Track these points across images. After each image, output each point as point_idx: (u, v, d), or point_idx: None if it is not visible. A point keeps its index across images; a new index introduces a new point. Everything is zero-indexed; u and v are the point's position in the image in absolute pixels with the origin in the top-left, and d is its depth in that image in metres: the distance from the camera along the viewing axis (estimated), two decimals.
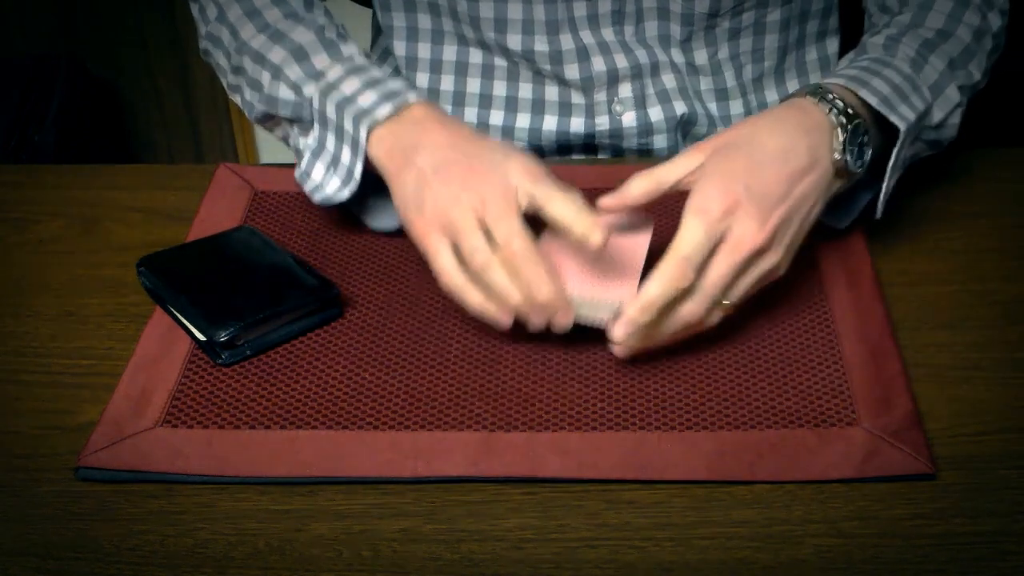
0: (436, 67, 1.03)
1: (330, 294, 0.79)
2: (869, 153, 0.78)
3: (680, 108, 1.01)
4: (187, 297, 0.79)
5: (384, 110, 0.80)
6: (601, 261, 0.74)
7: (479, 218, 0.72)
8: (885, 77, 0.80)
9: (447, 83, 1.03)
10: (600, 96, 1.00)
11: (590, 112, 1.01)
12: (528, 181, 0.73)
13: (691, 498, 0.65)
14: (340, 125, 0.82)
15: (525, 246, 0.71)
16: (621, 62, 0.98)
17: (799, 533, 0.63)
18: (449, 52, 1.02)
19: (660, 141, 1.02)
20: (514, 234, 0.71)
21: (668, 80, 1.00)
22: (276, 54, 0.86)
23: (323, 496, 0.67)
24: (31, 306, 0.83)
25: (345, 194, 0.82)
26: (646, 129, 1.01)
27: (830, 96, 0.77)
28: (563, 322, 0.72)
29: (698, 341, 0.75)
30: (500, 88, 1.02)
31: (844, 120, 0.76)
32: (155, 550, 0.63)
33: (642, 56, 0.99)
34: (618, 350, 0.72)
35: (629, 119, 1.01)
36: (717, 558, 0.62)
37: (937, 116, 0.83)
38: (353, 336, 0.78)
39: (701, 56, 1.00)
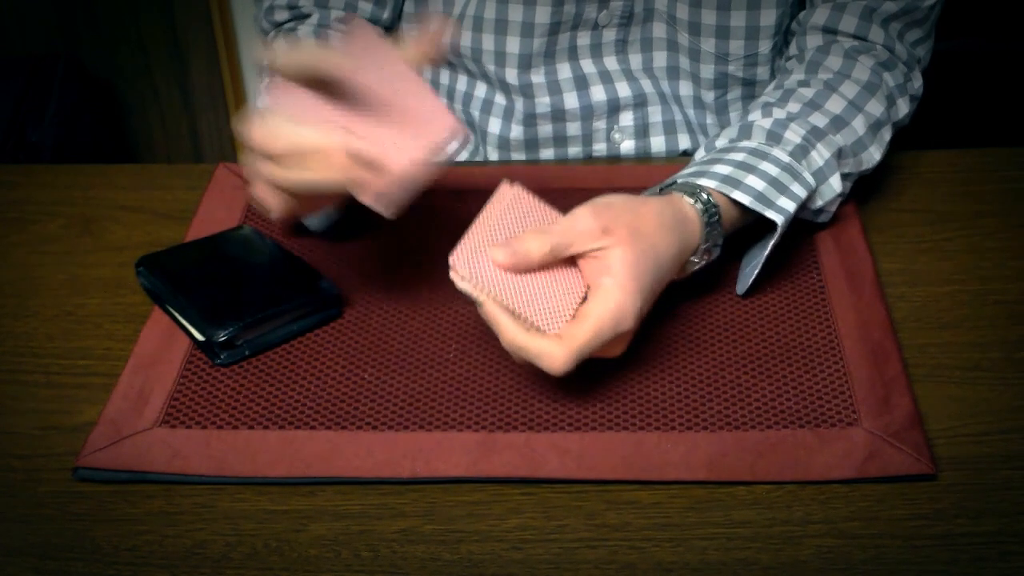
0: (451, 94, 1.03)
1: (329, 294, 0.79)
2: (700, 266, 0.76)
3: (684, 142, 1.01)
4: (186, 297, 0.78)
5: None
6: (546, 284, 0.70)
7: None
8: (761, 172, 0.77)
9: (458, 111, 1.03)
10: (599, 124, 0.99)
11: (587, 141, 1.00)
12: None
13: (691, 498, 0.65)
14: None
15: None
16: (623, 91, 0.98)
17: (800, 533, 0.63)
18: (461, 83, 1.02)
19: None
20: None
21: (676, 112, 1.00)
22: None
23: (322, 496, 0.67)
24: (29, 306, 0.83)
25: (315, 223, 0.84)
26: (645, 158, 1.01)
27: (709, 202, 0.75)
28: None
29: (698, 341, 0.75)
30: (495, 125, 1.01)
31: (709, 231, 0.75)
32: (153, 550, 0.63)
33: (647, 86, 0.98)
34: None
35: (628, 147, 1.00)
36: (717, 558, 0.62)
37: (818, 203, 0.81)
38: (352, 336, 0.78)
39: (708, 96, 0.98)
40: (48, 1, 2.07)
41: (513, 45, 0.95)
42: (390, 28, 1.02)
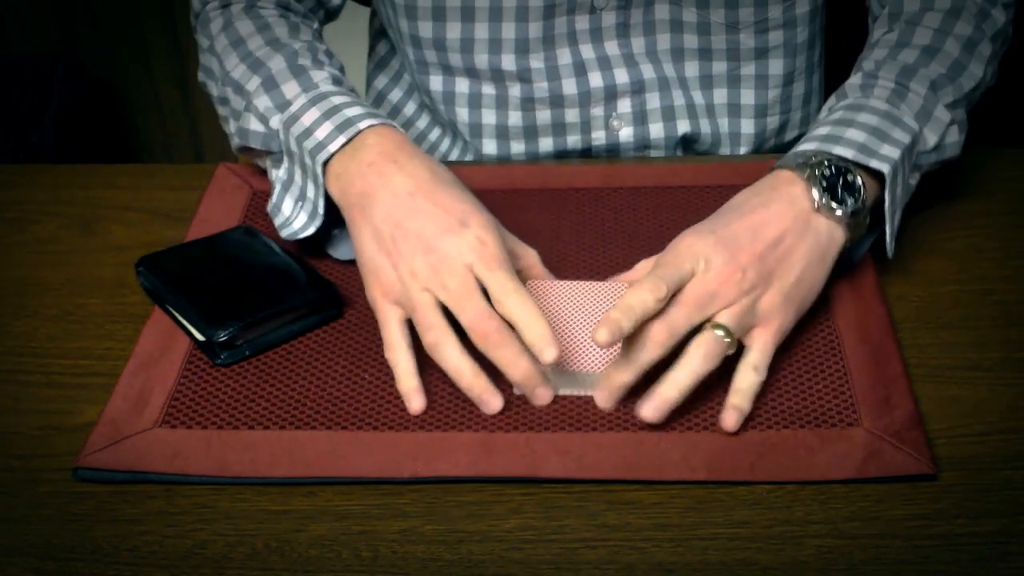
0: (429, 95, 1.02)
1: (329, 294, 0.79)
2: (863, 192, 0.75)
3: (683, 127, 1.00)
4: (186, 297, 0.79)
5: (336, 143, 0.79)
6: (579, 332, 0.73)
7: (434, 295, 0.71)
8: (860, 124, 0.78)
9: (457, 114, 1.02)
10: (597, 111, 0.99)
11: (586, 128, 1.00)
12: (483, 264, 0.71)
13: (691, 498, 0.65)
14: (302, 159, 0.81)
15: (497, 325, 0.69)
16: (621, 77, 0.97)
17: (800, 534, 0.63)
18: (435, 83, 1.01)
19: (657, 155, 1.01)
20: (483, 316, 0.69)
21: (677, 96, 0.99)
22: (251, 84, 0.86)
23: (322, 497, 0.67)
24: (29, 306, 0.83)
25: (311, 230, 0.82)
26: (643, 144, 1.00)
27: (809, 158, 0.76)
28: (542, 397, 0.71)
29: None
30: (489, 116, 1.00)
31: (814, 170, 0.75)
32: (154, 551, 0.63)
33: (647, 71, 0.98)
34: (599, 397, 0.71)
35: (627, 134, 1.00)
36: (718, 559, 0.62)
37: (931, 140, 0.81)
38: (352, 336, 0.78)
39: (720, 67, 0.98)
40: (48, 1, 2.07)
41: (508, 31, 0.95)
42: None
